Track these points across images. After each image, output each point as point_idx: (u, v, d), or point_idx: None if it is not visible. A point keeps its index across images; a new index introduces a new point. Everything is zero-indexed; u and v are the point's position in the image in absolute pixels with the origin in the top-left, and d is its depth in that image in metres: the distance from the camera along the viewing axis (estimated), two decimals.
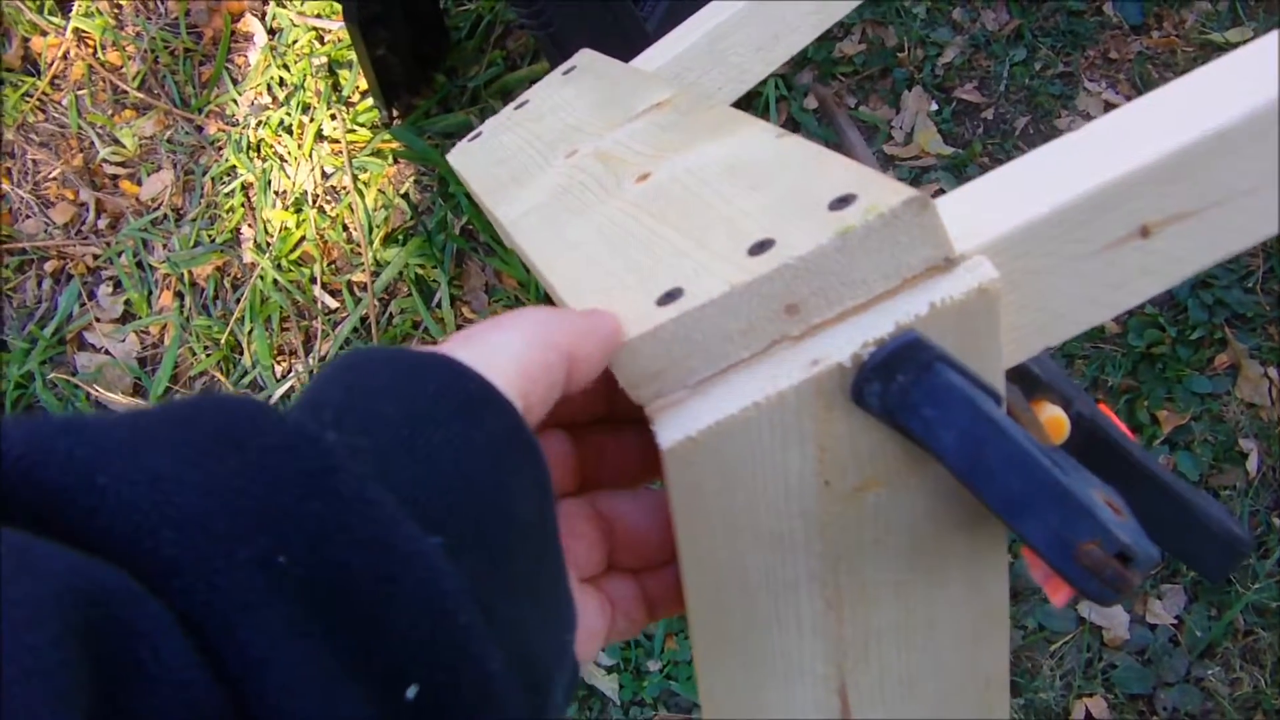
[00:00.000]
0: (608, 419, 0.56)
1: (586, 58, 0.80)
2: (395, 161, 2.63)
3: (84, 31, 3.02)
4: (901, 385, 0.44)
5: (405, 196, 2.59)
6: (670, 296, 0.46)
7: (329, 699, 0.35)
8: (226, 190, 2.76)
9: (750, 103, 2.46)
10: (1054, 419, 0.63)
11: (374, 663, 0.36)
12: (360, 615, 0.36)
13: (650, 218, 0.53)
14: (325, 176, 2.68)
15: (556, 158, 0.65)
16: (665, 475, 0.46)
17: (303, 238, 2.63)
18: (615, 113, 0.67)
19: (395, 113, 2.63)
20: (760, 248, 0.46)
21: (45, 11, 3.03)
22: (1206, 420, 2.06)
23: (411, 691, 0.36)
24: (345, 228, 2.62)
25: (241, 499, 0.35)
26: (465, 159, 0.75)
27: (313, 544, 0.35)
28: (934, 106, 2.44)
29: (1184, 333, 2.12)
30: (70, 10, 3.03)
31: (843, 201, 0.46)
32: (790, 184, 0.50)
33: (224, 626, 0.34)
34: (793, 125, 2.47)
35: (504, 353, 0.44)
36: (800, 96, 2.48)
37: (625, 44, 2.05)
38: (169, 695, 0.32)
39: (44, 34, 3.03)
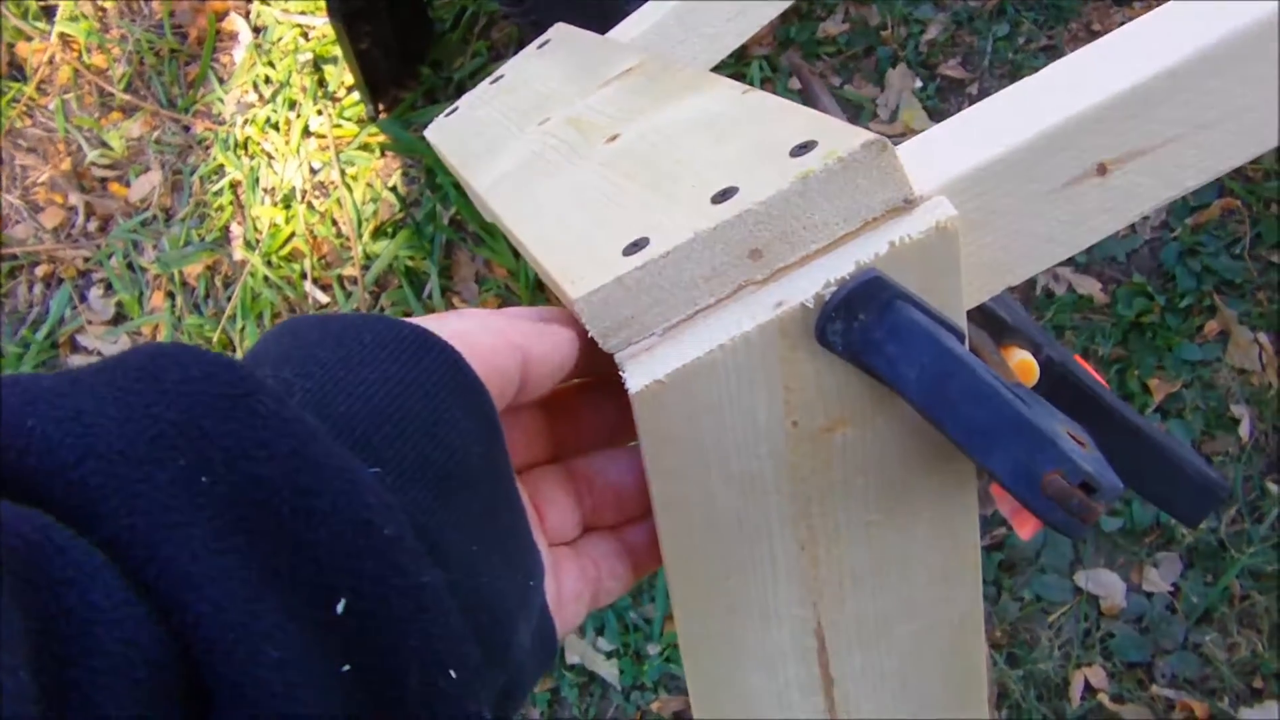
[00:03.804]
0: (587, 384, 0.57)
1: (560, 31, 0.81)
2: (382, 155, 2.64)
3: (69, 36, 3.03)
4: (863, 323, 0.45)
5: (393, 189, 2.60)
6: (636, 246, 0.47)
7: (253, 613, 0.35)
8: (215, 189, 2.77)
9: None
10: (1023, 363, 0.64)
11: (299, 576, 0.36)
12: (283, 530, 0.36)
13: (619, 175, 0.54)
14: (313, 172, 2.69)
15: (530, 126, 0.66)
16: (636, 420, 0.46)
17: (292, 234, 2.64)
18: (587, 81, 0.67)
19: (381, 106, 2.64)
20: (723, 195, 0.47)
21: (30, 17, 3.04)
22: (1198, 387, 2.06)
23: (340, 605, 0.37)
24: (334, 222, 2.62)
25: (158, 425, 0.36)
26: (442, 134, 0.76)
27: (231, 462, 0.36)
28: (918, 84, 2.45)
29: (1173, 301, 2.12)
30: (55, 15, 3.03)
31: (803, 148, 0.47)
32: (754, 135, 0.50)
33: (148, 548, 0.34)
34: None
35: (455, 330, 0.45)
36: (785, 77, 2.48)
37: (606, 28, 2.05)
38: (103, 636, 0.33)
39: (29, 39, 3.03)
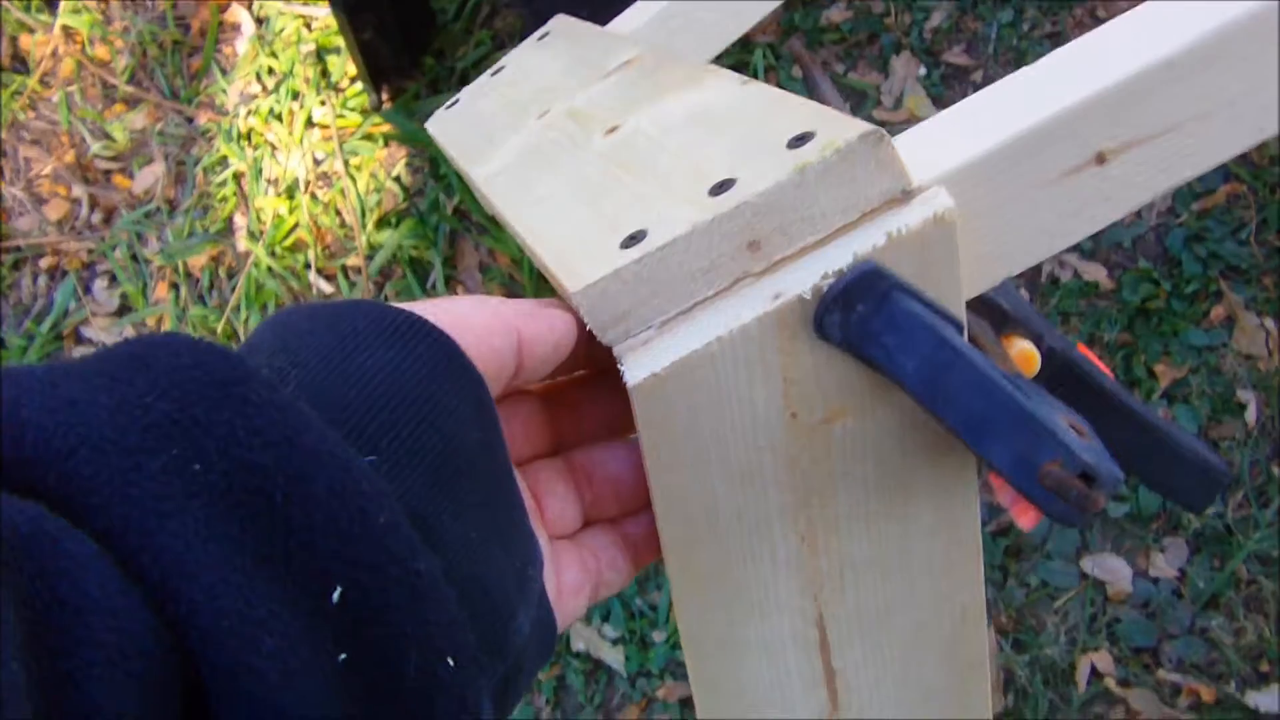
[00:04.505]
0: (587, 376, 0.57)
1: (561, 23, 0.81)
2: (386, 145, 2.64)
3: (72, 28, 3.03)
4: (861, 315, 0.45)
5: (397, 179, 2.59)
6: (634, 239, 0.47)
7: (247, 601, 0.35)
8: (219, 180, 2.77)
9: (738, 71, 2.46)
10: (1024, 353, 0.64)
11: (294, 564, 0.36)
12: (276, 517, 0.36)
13: (617, 168, 0.54)
14: (316, 162, 2.69)
15: (529, 119, 0.66)
16: (635, 414, 0.46)
17: (296, 224, 2.64)
18: (587, 73, 0.67)
19: (384, 96, 2.64)
20: (721, 187, 0.47)
21: (33, 9, 3.04)
22: (1204, 373, 2.06)
23: (336, 594, 0.37)
24: (338, 212, 2.62)
25: (151, 414, 0.36)
26: (443, 126, 0.76)
27: (224, 450, 0.36)
28: (923, 71, 2.44)
29: (1179, 286, 2.12)
30: (58, 7, 3.03)
31: (800, 139, 0.47)
32: (752, 127, 0.50)
33: (141, 537, 0.34)
34: None
35: (448, 311, 0.45)
36: (788, 65, 2.48)
37: (607, 17, 2.05)
38: (97, 626, 0.33)
39: (31, 32, 3.03)
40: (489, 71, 0.80)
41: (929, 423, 0.48)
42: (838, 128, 0.46)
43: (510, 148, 0.64)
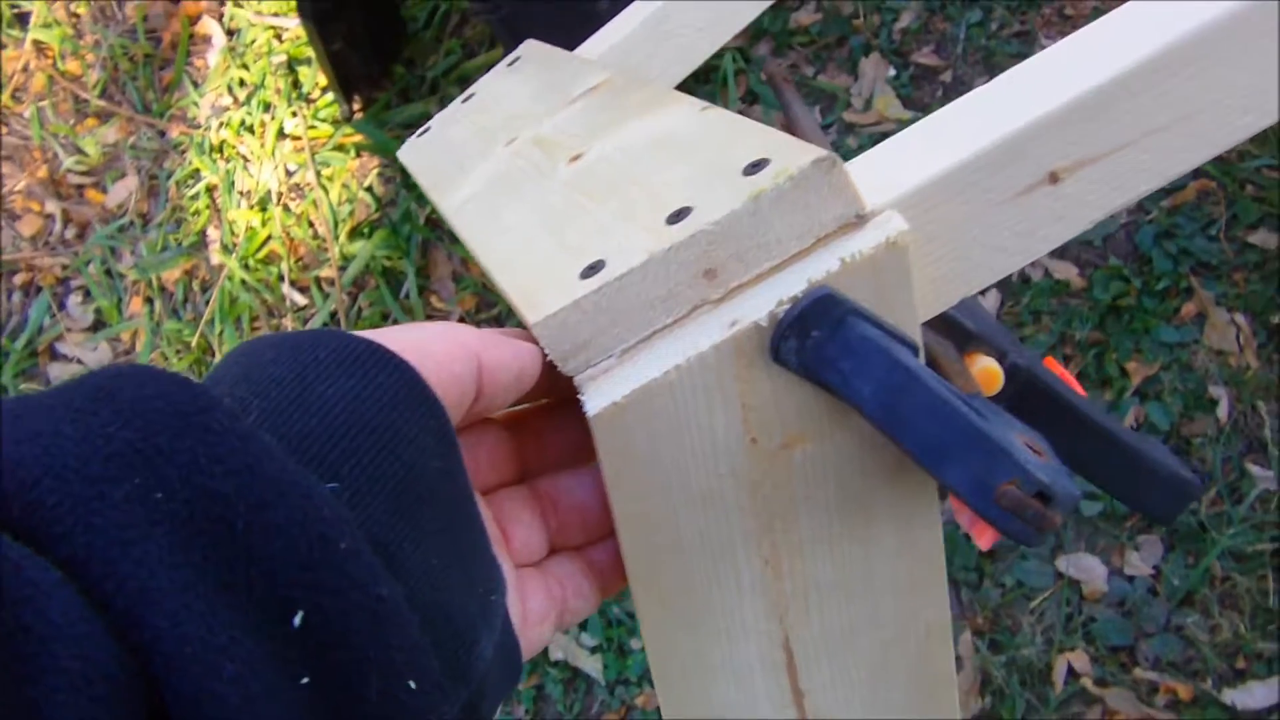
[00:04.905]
0: (552, 404, 0.57)
1: (530, 48, 0.81)
2: (358, 155, 2.64)
3: (43, 43, 3.02)
4: (817, 341, 0.45)
5: (369, 189, 2.59)
6: (593, 268, 0.47)
7: (209, 627, 0.35)
8: (191, 193, 2.76)
9: (709, 76, 2.47)
10: (987, 370, 0.64)
11: (255, 591, 0.36)
12: (238, 544, 0.36)
13: (580, 196, 0.54)
14: (289, 174, 2.69)
15: (498, 146, 0.66)
16: (595, 443, 0.47)
17: (269, 236, 2.64)
18: (554, 99, 0.68)
19: (356, 106, 2.63)
20: (678, 216, 0.47)
21: (3, 25, 3.02)
22: (1175, 370, 2.07)
23: (298, 618, 0.37)
24: (310, 224, 2.62)
25: (114, 443, 0.36)
26: (414, 154, 0.76)
27: (186, 478, 0.36)
28: (892, 72, 2.45)
29: (1149, 283, 2.13)
30: (28, 22, 3.02)
31: (755, 166, 0.47)
32: (709, 153, 0.51)
33: (104, 565, 0.35)
34: (751, 97, 2.48)
35: (411, 339, 0.45)
36: (758, 69, 2.48)
37: (578, 25, 2.05)
38: (61, 654, 0.33)
39: (2, 47, 3.02)
40: (459, 98, 0.80)
41: (888, 445, 0.49)
42: (791, 154, 0.46)
43: (478, 176, 0.64)
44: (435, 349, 0.46)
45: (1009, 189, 0.49)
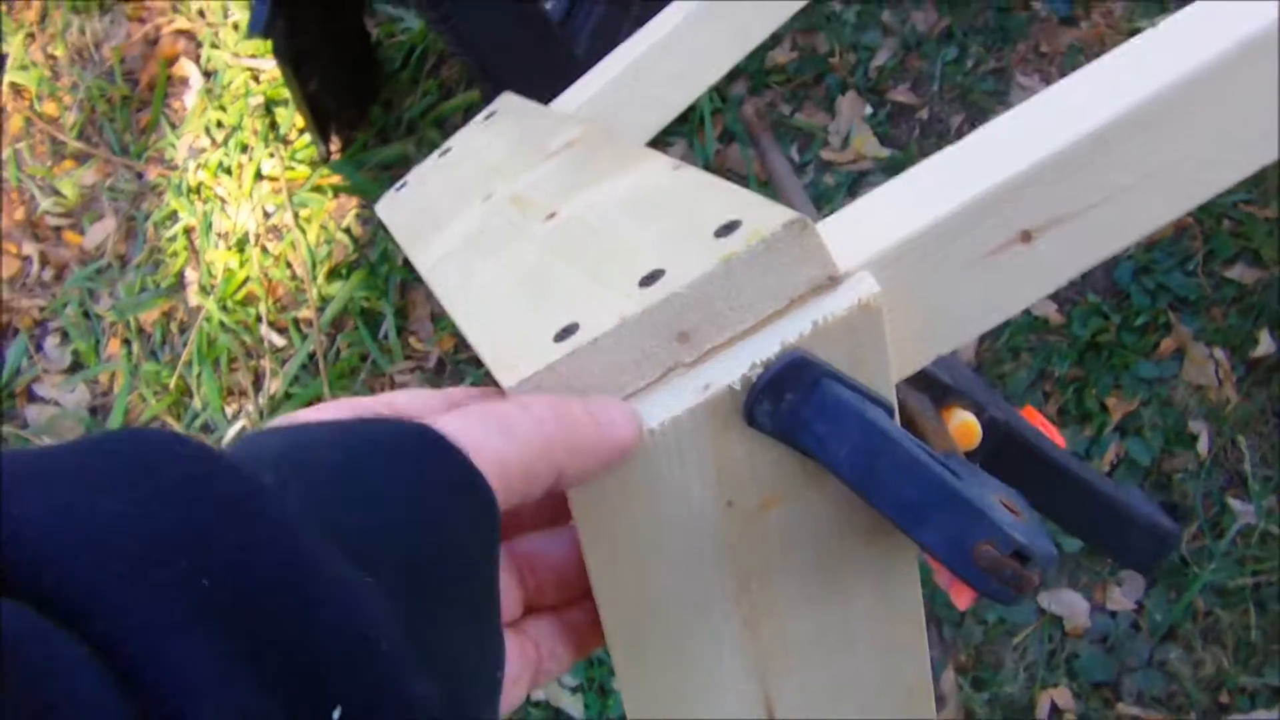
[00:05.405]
0: None
1: (506, 101, 0.81)
2: (335, 196, 2.64)
3: (19, 85, 3.02)
4: (791, 403, 0.45)
5: (347, 230, 2.59)
6: (567, 332, 0.47)
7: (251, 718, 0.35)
8: (169, 235, 2.76)
9: (686, 116, 2.47)
10: (964, 425, 0.64)
11: (296, 684, 0.36)
12: (281, 639, 0.36)
13: (554, 255, 0.54)
14: (266, 215, 2.68)
15: (474, 202, 0.66)
16: (571, 506, 0.46)
17: (247, 278, 2.63)
18: (530, 154, 0.68)
19: (333, 147, 2.63)
20: (650, 278, 0.47)
21: None
22: (1155, 405, 2.07)
23: (337, 714, 0.37)
24: (289, 265, 2.62)
25: (155, 524, 0.35)
26: (391, 209, 0.76)
27: (230, 568, 0.35)
28: (869, 110, 2.46)
29: (1128, 319, 2.13)
30: (4, 64, 3.02)
31: (727, 229, 0.47)
32: (681, 214, 0.51)
33: (146, 652, 0.34)
34: (728, 137, 2.48)
35: (487, 445, 0.44)
36: (735, 108, 2.49)
37: (551, 67, 2.06)
38: None
39: None
40: (436, 152, 0.80)
41: (863, 505, 0.48)
42: (763, 215, 0.46)
43: (454, 233, 0.64)
44: (516, 464, 0.44)
45: (981, 248, 0.49)
